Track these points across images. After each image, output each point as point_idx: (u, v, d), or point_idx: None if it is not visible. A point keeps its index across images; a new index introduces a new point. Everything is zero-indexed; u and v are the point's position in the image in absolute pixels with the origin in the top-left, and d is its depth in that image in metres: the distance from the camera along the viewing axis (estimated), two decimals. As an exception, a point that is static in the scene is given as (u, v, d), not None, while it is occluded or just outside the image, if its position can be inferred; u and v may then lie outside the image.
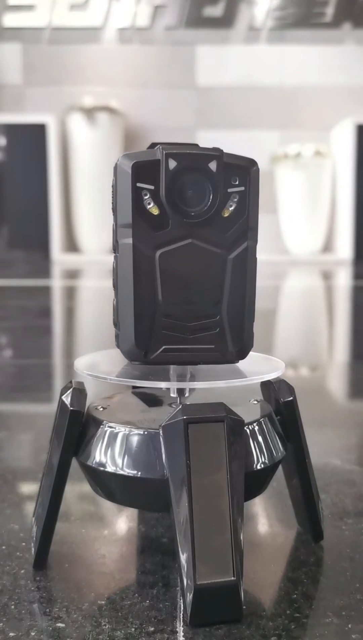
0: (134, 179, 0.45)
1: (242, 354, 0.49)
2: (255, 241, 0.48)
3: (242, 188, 0.46)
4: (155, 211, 0.45)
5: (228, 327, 0.47)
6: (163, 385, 0.48)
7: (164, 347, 0.47)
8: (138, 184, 0.45)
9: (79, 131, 4.82)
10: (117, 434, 0.47)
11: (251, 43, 5.12)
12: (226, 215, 0.46)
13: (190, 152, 0.45)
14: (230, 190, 0.46)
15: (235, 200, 0.46)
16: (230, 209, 0.46)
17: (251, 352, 0.56)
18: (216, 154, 0.45)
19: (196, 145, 0.47)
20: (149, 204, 0.45)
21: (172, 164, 0.45)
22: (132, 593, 0.47)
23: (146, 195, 0.45)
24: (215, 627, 0.43)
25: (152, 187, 0.45)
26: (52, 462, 0.50)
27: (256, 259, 0.49)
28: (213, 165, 0.45)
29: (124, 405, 0.53)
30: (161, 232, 0.46)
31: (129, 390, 0.56)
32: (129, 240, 0.46)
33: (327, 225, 4.95)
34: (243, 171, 0.46)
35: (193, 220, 0.46)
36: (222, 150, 0.46)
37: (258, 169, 0.47)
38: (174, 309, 0.46)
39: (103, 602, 0.46)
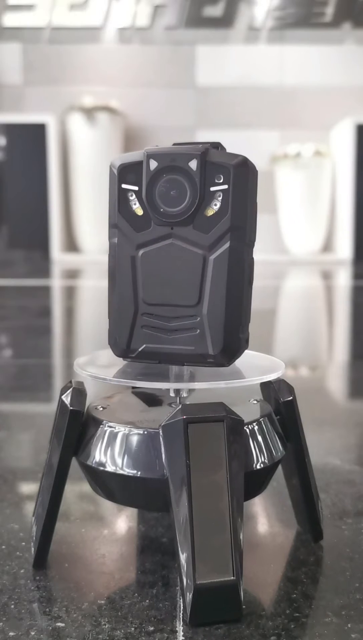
0: (120, 180, 0.47)
1: (227, 358, 0.47)
2: (242, 241, 0.46)
3: (225, 186, 0.45)
4: (139, 212, 0.46)
5: (208, 329, 0.46)
6: (161, 386, 0.48)
7: (145, 345, 0.47)
8: (123, 185, 0.47)
9: (79, 131, 4.81)
10: (117, 433, 0.47)
11: (251, 43, 5.12)
12: (209, 214, 0.45)
13: (170, 152, 0.46)
14: (213, 189, 0.45)
15: (219, 199, 0.45)
16: (214, 207, 0.45)
17: (251, 352, 0.56)
18: (197, 152, 0.45)
19: (218, 143, 0.47)
20: (134, 204, 0.47)
21: (153, 164, 0.46)
22: (132, 592, 0.47)
23: (131, 196, 0.47)
24: (215, 627, 0.43)
25: (136, 188, 0.46)
26: (52, 462, 0.50)
27: (244, 259, 0.46)
28: (193, 164, 0.45)
29: (124, 405, 0.53)
30: (144, 233, 0.47)
31: (129, 390, 0.56)
32: (115, 240, 0.48)
33: (326, 225, 4.95)
34: (226, 169, 0.45)
35: (173, 220, 0.46)
36: (207, 149, 0.45)
37: (248, 167, 0.45)
38: (155, 309, 0.47)
39: (103, 602, 0.46)
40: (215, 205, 0.45)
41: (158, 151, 0.46)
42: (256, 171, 0.47)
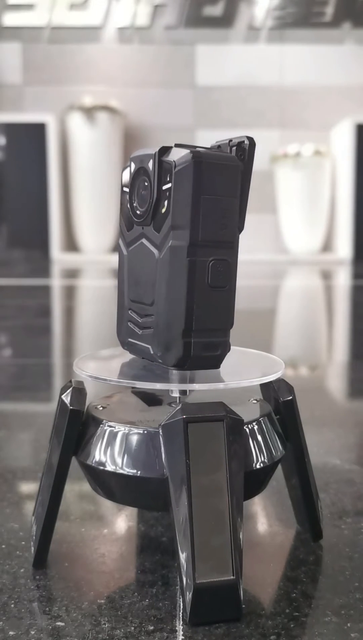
0: (121, 182, 0.49)
1: (172, 361, 0.46)
2: (185, 241, 0.44)
3: (170, 185, 0.45)
4: (130, 212, 0.49)
5: (156, 329, 0.46)
6: (159, 386, 0.48)
7: (128, 338, 0.51)
8: (124, 188, 0.49)
9: (79, 130, 4.82)
10: (116, 433, 0.47)
11: (250, 42, 5.12)
12: (163, 213, 0.46)
13: (142, 154, 0.47)
14: (164, 187, 0.45)
15: (168, 198, 0.45)
16: (165, 207, 0.45)
17: (251, 350, 0.56)
18: (152, 152, 0.46)
19: (248, 137, 0.46)
20: (128, 205, 0.49)
21: (132, 166, 0.48)
22: (131, 592, 0.47)
23: (126, 197, 0.49)
24: (214, 626, 0.43)
25: (128, 190, 0.49)
26: (52, 462, 0.50)
27: (193, 260, 0.44)
28: (150, 165, 0.46)
29: (124, 405, 0.53)
30: (130, 232, 0.49)
31: (128, 390, 0.56)
32: (119, 239, 0.51)
33: (326, 225, 4.95)
34: (170, 167, 0.44)
35: (138, 220, 0.48)
36: (164, 148, 0.45)
37: (194, 165, 0.43)
38: (133, 305, 0.50)
39: (103, 601, 0.46)
40: (165, 204, 0.45)
41: (138, 153, 0.48)
42: (225, 166, 0.44)
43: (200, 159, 0.44)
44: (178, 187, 0.44)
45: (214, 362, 0.47)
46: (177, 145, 0.46)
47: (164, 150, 0.46)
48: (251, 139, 0.46)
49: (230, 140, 0.47)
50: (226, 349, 0.47)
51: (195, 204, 0.44)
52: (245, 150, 0.46)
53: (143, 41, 5.13)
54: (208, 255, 0.45)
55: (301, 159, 4.72)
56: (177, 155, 0.45)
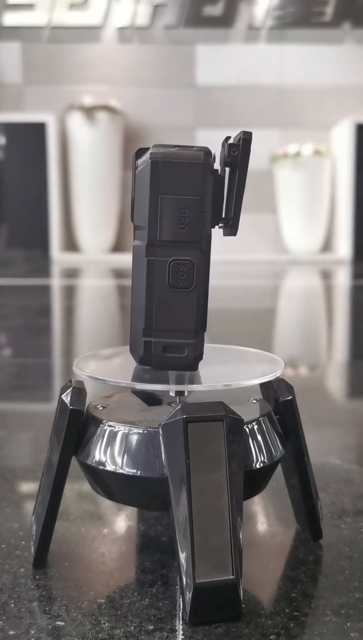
0: None
1: (135, 357, 0.47)
2: (144, 241, 0.45)
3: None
4: None
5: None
6: (158, 387, 0.48)
7: None
8: None
9: (79, 130, 4.81)
10: (116, 433, 0.48)
11: (250, 42, 5.12)
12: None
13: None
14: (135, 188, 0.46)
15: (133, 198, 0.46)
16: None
17: (250, 349, 0.56)
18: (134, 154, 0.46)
19: (245, 132, 0.46)
20: None
21: None
22: (131, 592, 0.47)
23: None
24: (214, 626, 0.43)
25: None
26: (52, 461, 0.50)
27: (152, 260, 0.45)
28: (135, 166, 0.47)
29: (124, 405, 0.53)
30: None
31: (128, 390, 0.56)
32: None
33: (326, 225, 4.95)
34: (135, 168, 0.46)
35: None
36: (142, 150, 0.45)
37: (151, 166, 0.44)
38: None
39: (103, 601, 0.46)
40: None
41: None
42: (185, 165, 0.44)
43: (157, 158, 0.44)
44: (138, 188, 0.45)
45: (185, 364, 0.46)
46: (155, 146, 0.46)
47: (143, 152, 0.46)
48: (247, 134, 0.46)
49: (229, 138, 0.47)
50: (194, 351, 0.46)
51: (153, 203, 0.44)
52: (238, 147, 0.46)
53: (143, 41, 5.12)
54: (168, 255, 0.45)
55: (301, 158, 4.72)
56: (145, 156, 0.45)
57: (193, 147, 0.45)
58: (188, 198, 0.44)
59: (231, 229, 0.47)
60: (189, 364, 0.47)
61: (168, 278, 0.45)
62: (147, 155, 0.44)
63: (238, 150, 0.46)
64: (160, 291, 0.45)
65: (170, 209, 0.44)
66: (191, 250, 0.45)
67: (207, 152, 0.45)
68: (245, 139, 0.45)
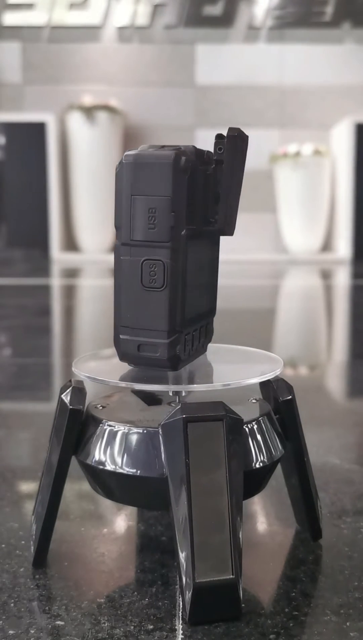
0: None
1: (118, 354, 0.48)
2: (120, 240, 0.46)
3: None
4: None
5: None
6: (158, 388, 0.48)
7: None
8: None
9: (79, 130, 4.81)
10: (116, 432, 0.48)
11: (250, 42, 5.12)
12: None
13: None
14: None
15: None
16: None
17: (249, 348, 0.56)
18: None
19: (237, 130, 0.46)
20: None
21: None
22: (131, 591, 0.47)
23: None
24: (214, 625, 0.43)
25: None
26: (52, 461, 0.50)
27: (125, 259, 0.46)
28: None
29: (124, 404, 0.53)
30: None
31: (128, 389, 0.56)
32: None
33: (326, 225, 4.95)
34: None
35: None
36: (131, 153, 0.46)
37: (125, 167, 0.45)
38: None
39: (102, 600, 0.46)
40: None
41: None
42: (154, 165, 0.44)
43: (128, 160, 0.44)
44: (117, 188, 0.45)
45: (160, 364, 0.47)
46: (140, 148, 0.46)
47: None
48: (233, 131, 0.45)
49: (220, 135, 0.47)
50: (168, 351, 0.46)
51: (126, 204, 0.45)
52: (224, 144, 0.45)
53: (143, 41, 5.12)
54: (140, 255, 0.45)
55: (301, 158, 4.72)
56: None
57: (179, 146, 0.45)
58: (157, 198, 0.44)
59: (223, 228, 0.47)
60: (163, 364, 0.47)
61: (140, 277, 0.45)
62: (121, 159, 0.45)
63: (224, 148, 0.45)
64: (134, 290, 0.46)
65: (141, 209, 0.45)
66: (162, 250, 0.45)
67: (179, 152, 0.44)
68: (230, 136, 0.45)
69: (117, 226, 0.46)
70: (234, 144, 0.45)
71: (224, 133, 0.46)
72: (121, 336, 0.47)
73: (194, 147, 0.45)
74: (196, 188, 0.45)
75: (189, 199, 0.44)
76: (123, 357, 0.48)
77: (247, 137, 0.47)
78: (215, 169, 0.46)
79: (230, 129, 0.45)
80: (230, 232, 0.48)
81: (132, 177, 0.44)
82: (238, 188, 0.48)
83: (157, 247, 0.45)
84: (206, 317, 0.51)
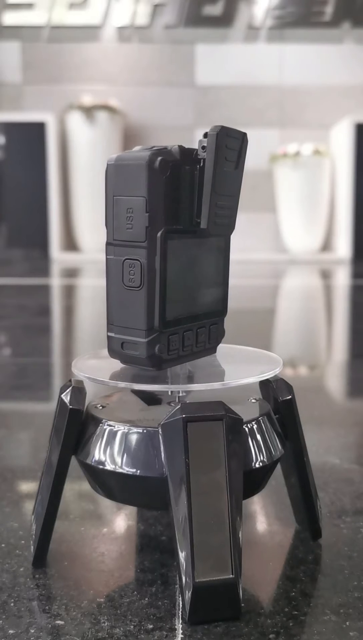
0: None
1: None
2: (106, 239, 0.47)
3: None
4: None
5: None
6: (158, 388, 0.48)
7: None
8: None
9: (78, 130, 4.81)
10: (116, 432, 0.48)
11: (250, 42, 5.12)
12: None
13: None
14: None
15: None
16: None
17: (248, 348, 0.56)
18: None
19: (221, 127, 0.46)
20: None
21: None
22: (131, 591, 0.48)
23: None
24: (214, 625, 0.43)
25: None
26: (52, 461, 0.50)
27: (107, 259, 0.47)
28: None
29: (124, 404, 0.53)
30: None
31: (128, 389, 0.56)
32: None
33: (325, 224, 4.95)
34: None
35: None
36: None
37: (108, 169, 0.45)
38: None
39: (102, 600, 0.46)
40: None
41: None
42: (130, 166, 0.45)
43: (110, 161, 0.45)
44: (105, 189, 0.46)
45: (140, 362, 0.47)
46: (142, 148, 0.46)
47: None
48: (214, 129, 0.45)
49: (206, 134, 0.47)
50: (148, 350, 0.46)
51: (109, 204, 0.46)
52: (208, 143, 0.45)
53: (143, 40, 5.12)
54: (122, 255, 0.46)
55: (301, 158, 4.72)
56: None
57: (165, 147, 0.45)
58: (134, 198, 0.45)
59: (206, 228, 0.46)
60: (144, 362, 0.47)
61: (122, 277, 0.46)
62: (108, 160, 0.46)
63: (206, 146, 0.45)
64: (117, 289, 0.47)
65: (121, 210, 0.45)
66: (140, 250, 0.45)
67: (156, 153, 0.44)
68: (210, 134, 0.45)
69: (106, 226, 0.47)
70: (213, 141, 0.45)
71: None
72: (108, 333, 0.48)
73: (180, 146, 0.45)
74: (181, 187, 0.45)
75: (171, 198, 0.45)
76: (111, 354, 0.49)
77: (241, 135, 0.47)
78: (201, 168, 0.46)
79: (213, 127, 0.45)
80: (215, 232, 0.47)
81: (114, 178, 0.45)
82: (229, 187, 0.47)
83: (135, 247, 0.45)
84: (206, 318, 0.51)
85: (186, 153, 0.45)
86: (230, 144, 0.46)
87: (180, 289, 0.47)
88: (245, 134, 0.47)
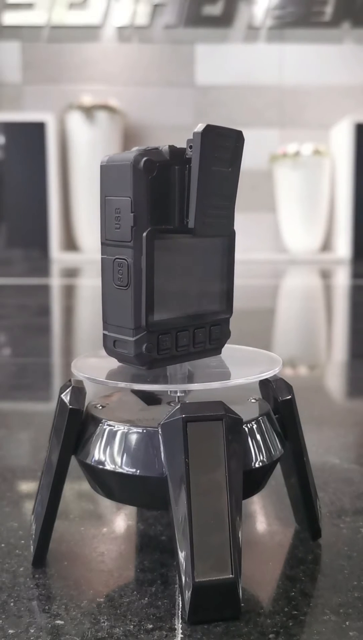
0: None
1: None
2: (100, 239, 0.48)
3: None
4: None
5: None
6: (157, 387, 0.48)
7: None
8: None
9: (78, 130, 4.81)
10: (116, 432, 0.48)
11: (250, 42, 5.11)
12: None
13: None
14: None
15: None
16: None
17: (248, 347, 0.56)
18: None
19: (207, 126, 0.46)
20: None
21: None
22: (131, 591, 0.48)
23: None
24: (213, 625, 0.43)
25: None
26: (52, 461, 0.50)
27: (102, 258, 0.48)
28: None
29: (123, 404, 0.53)
30: None
31: (128, 389, 0.56)
32: None
33: (325, 224, 4.95)
34: None
35: None
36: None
37: (100, 168, 0.46)
38: None
39: (102, 600, 0.46)
40: None
41: None
42: (117, 166, 0.45)
43: (104, 162, 0.46)
44: (100, 190, 0.47)
45: (130, 360, 0.47)
46: (137, 149, 0.47)
47: None
48: (200, 127, 0.45)
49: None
50: (136, 349, 0.47)
51: (101, 204, 0.47)
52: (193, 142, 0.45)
53: (143, 40, 5.12)
54: (113, 254, 0.46)
55: (301, 158, 4.72)
56: None
57: (156, 147, 0.45)
58: (121, 198, 0.45)
59: (194, 228, 0.46)
60: (132, 360, 0.47)
61: (112, 276, 0.47)
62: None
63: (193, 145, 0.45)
64: (108, 288, 0.47)
65: (110, 210, 0.46)
66: (126, 250, 0.46)
67: (142, 153, 0.44)
68: (195, 133, 0.45)
69: (100, 226, 0.48)
70: (198, 140, 0.44)
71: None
72: (103, 331, 0.49)
73: (171, 146, 0.45)
74: (170, 187, 0.45)
75: (158, 198, 0.45)
76: (107, 351, 0.49)
77: (235, 133, 0.46)
78: (190, 168, 0.46)
79: (199, 126, 0.45)
80: (198, 232, 0.47)
81: (105, 179, 0.46)
82: (221, 186, 0.46)
83: (123, 247, 0.46)
84: (205, 319, 0.50)
85: (177, 153, 0.45)
86: (220, 143, 0.45)
87: (170, 289, 0.47)
88: (239, 132, 0.47)
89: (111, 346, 0.48)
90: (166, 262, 0.46)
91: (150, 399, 0.54)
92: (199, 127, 0.44)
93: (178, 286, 0.48)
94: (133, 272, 0.45)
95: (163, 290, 0.46)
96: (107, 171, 0.46)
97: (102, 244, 0.47)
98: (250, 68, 5.10)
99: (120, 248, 0.46)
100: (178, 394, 0.51)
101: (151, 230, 0.45)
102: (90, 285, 3.23)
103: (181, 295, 0.48)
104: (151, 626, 0.43)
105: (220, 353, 0.53)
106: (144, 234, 0.45)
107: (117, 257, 0.46)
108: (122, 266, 0.46)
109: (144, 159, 0.44)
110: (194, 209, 0.46)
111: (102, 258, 0.47)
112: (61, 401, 0.49)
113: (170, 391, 0.50)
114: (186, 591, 0.42)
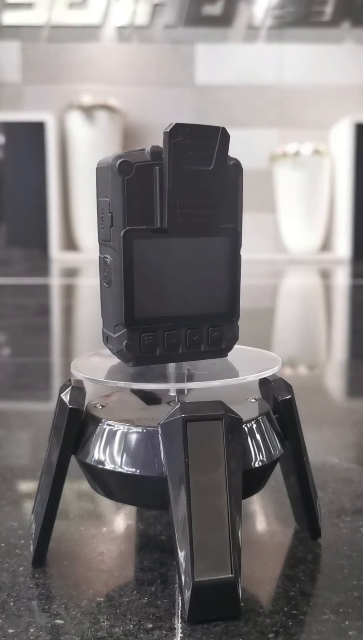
0: None
1: None
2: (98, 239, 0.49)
3: None
4: None
5: None
6: (157, 387, 0.48)
7: None
8: None
9: (78, 129, 4.81)
10: (116, 431, 0.48)
11: (250, 41, 5.12)
12: None
13: None
14: None
15: None
16: None
17: (247, 347, 0.56)
18: None
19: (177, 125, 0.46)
20: None
21: None
22: (130, 590, 0.48)
23: None
24: (213, 624, 0.43)
25: None
26: (51, 460, 0.50)
27: (99, 257, 0.49)
28: None
29: (123, 403, 0.53)
30: None
31: (128, 389, 0.56)
32: None
33: (325, 224, 4.95)
34: None
35: None
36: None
37: (96, 170, 0.48)
38: None
39: (102, 599, 0.46)
40: None
41: None
42: (102, 169, 0.46)
43: (98, 164, 0.48)
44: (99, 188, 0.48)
45: (123, 357, 0.48)
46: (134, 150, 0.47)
47: None
48: (171, 127, 0.44)
49: None
50: (117, 345, 0.47)
51: (98, 205, 0.48)
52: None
53: (142, 40, 5.12)
54: (102, 253, 0.48)
55: (300, 158, 4.72)
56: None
57: (143, 149, 0.46)
58: (103, 200, 0.47)
59: (167, 230, 0.46)
60: (118, 356, 0.49)
61: (102, 273, 0.49)
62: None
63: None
64: (102, 286, 0.49)
65: (99, 211, 0.48)
66: (108, 249, 0.47)
67: (121, 155, 0.45)
68: (164, 132, 0.45)
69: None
70: (166, 139, 0.44)
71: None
72: (102, 328, 0.50)
73: (155, 147, 0.46)
74: (150, 188, 0.46)
75: (137, 199, 0.45)
76: (105, 345, 0.51)
77: (214, 131, 0.45)
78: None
79: (168, 125, 0.45)
80: (181, 232, 0.46)
81: (96, 180, 0.48)
82: (198, 185, 0.46)
83: (106, 246, 0.47)
84: (202, 320, 0.49)
85: (158, 153, 0.45)
86: (193, 141, 0.45)
87: (155, 289, 0.47)
88: (221, 129, 0.46)
89: (105, 341, 0.50)
90: (149, 262, 0.47)
91: (150, 398, 0.54)
92: (168, 127, 0.44)
93: (165, 286, 0.47)
94: (113, 271, 0.47)
95: (146, 289, 0.47)
96: (97, 173, 0.48)
97: (99, 243, 0.49)
98: (249, 68, 5.10)
99: (105, 247, 0.48)
100: (171, 393, 0.51)
101: (128, 230, 0.46)
102: (90, 285, 3.23)
103: (170, 295, 0.48)
104: (150, 626, 0.43)
105: (226, 356, 0.52)
106: (121, 234, 0.46)
107: (103, 255, 0.48)
108: (106, 265, 0.47)
109: (120, 160, 0.45)
110: (167, 209, 0.46)
111: (98, 257, 0.49)
112: (60, 401, 0.49)
113: (169, 390, 0.50)
114: (186, 591, 0.42)
